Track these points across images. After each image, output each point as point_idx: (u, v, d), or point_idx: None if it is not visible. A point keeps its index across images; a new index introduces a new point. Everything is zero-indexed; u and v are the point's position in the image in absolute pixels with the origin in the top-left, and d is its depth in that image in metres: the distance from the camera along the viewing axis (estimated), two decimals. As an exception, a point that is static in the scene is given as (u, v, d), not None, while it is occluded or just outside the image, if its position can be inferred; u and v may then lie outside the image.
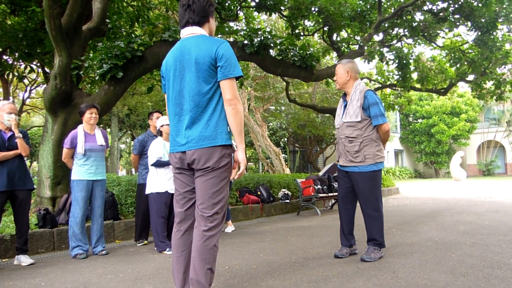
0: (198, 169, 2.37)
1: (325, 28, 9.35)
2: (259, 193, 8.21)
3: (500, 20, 9.62)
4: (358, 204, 3.91)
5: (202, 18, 2.47)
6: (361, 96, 3.72)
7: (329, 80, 11.40)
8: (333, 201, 9.47)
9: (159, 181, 4.65)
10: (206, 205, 2.35)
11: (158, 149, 4.68)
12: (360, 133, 3.70)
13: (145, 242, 5.15)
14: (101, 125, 21.75)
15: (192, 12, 2.44)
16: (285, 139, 26.43)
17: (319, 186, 8.37)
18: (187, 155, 2.37)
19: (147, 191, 4.73)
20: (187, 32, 2.47)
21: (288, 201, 8.68)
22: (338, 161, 3.94)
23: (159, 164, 4.63)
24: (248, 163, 30.21)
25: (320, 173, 10.14)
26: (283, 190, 8.88)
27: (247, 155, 29.71)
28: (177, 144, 2.42)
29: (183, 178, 2.48)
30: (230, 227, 6.10)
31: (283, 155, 23.25)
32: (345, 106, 3.86)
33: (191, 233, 2.46)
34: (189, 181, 2.47)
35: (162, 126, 4.78)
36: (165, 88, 2.57)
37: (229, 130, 2.38)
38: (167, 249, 4.49)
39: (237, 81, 10.85)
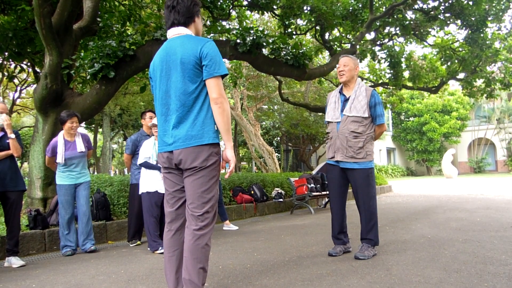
0: (186, 169, 2.36)
1: (317, 27, 9.36)
2: (252, 192, 8.21)
3: (490, 19, 9.70)
4: (349, 202, 3.92)
5: (188, 19, 2.47)
6: (368, 94, 3.73)
7: (322, 78, 11.44)
8: (326, 200, 9.49)
9: (149, 181, 4.65)
10: (196, 204, 2.35)
11: (148, 149, 4.67)
12: (365, 129, 3.71)
13: (138, 242, 5.12)
14: (93, 125, 21.59)
15: (177, 13, 2.44)
16: (278, 138, 26.45)
17: (312, 185, 8.39)
18: (174, 155, 2.37)
19: (140, 191, 4.73)
20: (173, 32, 2.47)
21: (281, 200, 8.69)
22: (332, 157, 3.82)
23: (147, 165, 4.64)
24: (241, 163, 30.20)
25: (313, 172, 10.17)
26: (277, 189, 8.89)
27: (240, 155, 29.68)
28: (164, 144, 2.42)
29: (172, 177, 2.48)
30: (228, 226, 6.18)
31: (276, 154, 23.27)
32: (344, 100, 3.82)
33: (183, 233, 2.45)
34: (178, 180, 2.46)
35: (154, 125, 4.76)
36: (153, 89, 2.56)
37: (216, 128, 2.38)
38: (159, 248, 4.47)
39: (231, 81, 10.77)
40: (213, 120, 2.37)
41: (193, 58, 2.32)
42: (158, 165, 4.63)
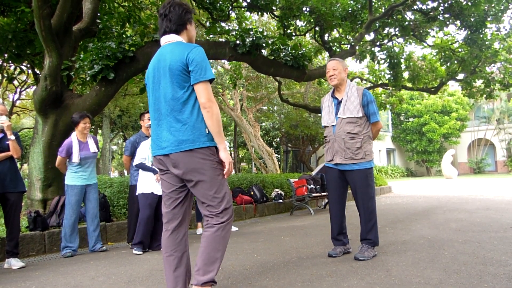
0: (185, 175, 2.40)
1: (317, 28, 9.37)
2: (252, 193, 8.20)
3: (489, 19, 9.71)
4: (348, 203, 3.93)
5: (179, 26, 2.54)
6: (360, 94, 3.74)
7: (322, 79, 11.43)
8: (326, 201, 9.49)
9: (146, 182, 4.68)
10: (212, 205, 2.42)
11: (144, 150, 4.70)
12: (361, 129, 3.71)
13: (138, 243, 5.13)
14: (93, 127, 21.55)
15: (168, 21, 2.52)
16: (278, 139, 26.44)
17: (312, 186, 8.39)
18: (168, 159, 2.43)
19: (137, 192, 4.78)
20: (165, 40, 2.55)
21: (281, 201, 8.69)
22: (331, 160, 3.85)
23: (142, 167, 4.68)
24: (241, 164, 30.18)
25: (313, 173, 10.16)
26: (276, 190, 8.88)
27: (240, 156, 29.68)
28: (158, 148, 2.49)
29: (168, 178, 2.52)
30: (200, 229, 6.11)
31: (276, 155, 23.27)
32: (337, 103, 3.84)
33: (179, 233, 2.53)
34: (174, 181, 2.51)
35: (149, 126, 4.79)
36: (148, 95, 2.65)
37: (207, 132, 2.42)
38: (134, 249, 4.57)
39: (230, 82, 10.76)
40: (205, 124, 2.41)
41: (180, 64, 2.38)
42: (153, 167, 4.65)
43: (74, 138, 4.74)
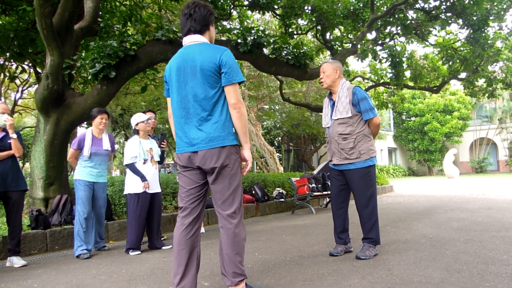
0: (211, 169, 2.48)
1: (318, 27, 9.35)
2: (253, 192, 8.21)
3: (491, 18, 9.67)
4: (350, 202, 3.93)
5: (203, 27, 2.61)
6: (350, 93, 3.73)
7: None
8: (328, 200, 9.48)
9: (136, 181, 4.59)
10: (226, 204, 2.54)
11: (134, 148, 4.62)
12: (353, 129, 3.70)
13: (139, 242, 5.12)
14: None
15: (193, 21, 2.58)
16: (279, 138, 26.43)
17: (313, 185, 8.39)
18: (198, 156, 2.49)
19: (126, 191, 4.66)
20: (190, 40, 2.61)
21: (282, 200, 8.69)
22: (331, 160, 3.89)
23: (132, 169, 4.58)
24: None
25: (315, 172, 10.16)
26: (278, 189, 8.89)
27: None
28: (186, 145, 2.54)
29: (190, 175, 2.58)
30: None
31: (278, 154, 23.25)
32: (333, 105, 3.85)
33: (194, 228, 2.59)
34: (197, 178, 2.57)
35: (137, 124, 4.74)
36: (168, 93, 2.69)
37: (234, 131, 2.53)
38: (130, 251, 4.50)
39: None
40: (232, 123, 2.52)
41: (213, 66, 2.46)
42: (142, 173, 4.57)
43: (88, 132, 4.72)
